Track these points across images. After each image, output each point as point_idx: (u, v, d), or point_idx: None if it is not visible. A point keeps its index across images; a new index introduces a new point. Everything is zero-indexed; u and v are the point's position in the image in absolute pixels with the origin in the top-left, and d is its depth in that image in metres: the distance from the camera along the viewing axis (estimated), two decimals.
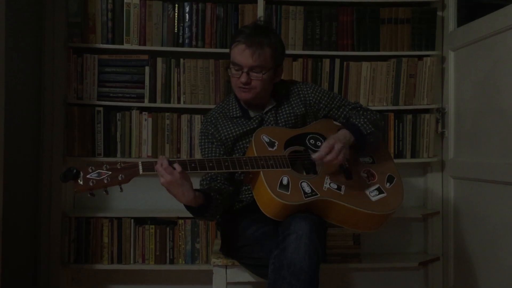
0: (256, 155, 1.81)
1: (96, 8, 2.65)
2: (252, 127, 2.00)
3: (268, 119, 2.02)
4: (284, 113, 2.04)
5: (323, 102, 2.06)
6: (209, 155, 2.00)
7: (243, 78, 1.91)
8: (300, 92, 2.07)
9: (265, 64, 1.91)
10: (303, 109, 2.04)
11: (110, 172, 1.61)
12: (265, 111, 2.03)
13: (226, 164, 1.74)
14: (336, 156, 1.79)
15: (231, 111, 2.05)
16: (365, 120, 1.95)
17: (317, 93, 2.07)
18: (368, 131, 1.92)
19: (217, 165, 1.73)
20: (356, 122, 1.94)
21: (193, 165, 1.70)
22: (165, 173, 1.64)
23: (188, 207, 1.80)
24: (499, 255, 2.26)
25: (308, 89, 2.07)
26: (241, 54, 1.90)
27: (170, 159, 1.68)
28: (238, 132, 2.00)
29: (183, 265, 2.69)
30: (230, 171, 1.80)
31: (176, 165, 1.66)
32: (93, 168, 1.60)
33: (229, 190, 1.95)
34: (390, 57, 2.76)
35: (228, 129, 2.01)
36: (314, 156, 1.81)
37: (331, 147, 1.80)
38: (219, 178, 1.95)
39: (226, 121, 2.03)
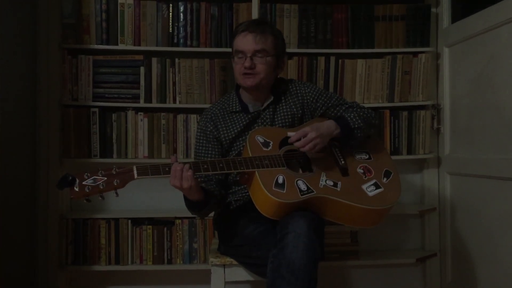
0: (251, 155, 1.81)
1: (90, 9, 2.64)
2: (249, 121, 2.01)
3: (265, 116, 2.03)
4: (281, 112, 2.04)
5: (320, 101, 2.07)
6: (204, 155, 2.01)
7: (247, 63, 1.92)
8: (298, 91, 2.08)
9: (268, 48, 1.95)
10: (300, 108, 2.05)
11: (106, 178, 1.61)
12: (263, 107, 2.03)
13: (221, 165, 1.74)
14: (304, 144, 1.83)
15: (231, 106, 2.06)
16: (356, 115, 1.97)
17: (314, 92, 2.07)
18: (356, 125, 1.94)
19: (211, 166, 1.73)
20: (346, 116, 1.96)
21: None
22: (180, 176, 1.68)
23: (186, 200, 1.83)
24: (496, 250, 2.26)
25: (306, 88, 2.08)
26: (244, 39, 1.94)
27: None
28: (236, 131, 2.00)
29: (181, 265, 2.69)
30: (225, 172, 1.80)
31: (188, 170, 1.69)
32: (88, 174, 1.60)
33: (221, 193, 1.97)
34: (385, 54, 2.76)
35: (226, 129, 2.01)
36: (289, 140, 1.86)
37: (304, 133, 1.83)
38: (213, 179, 1.95)
39: (225, 117, 2.04)
